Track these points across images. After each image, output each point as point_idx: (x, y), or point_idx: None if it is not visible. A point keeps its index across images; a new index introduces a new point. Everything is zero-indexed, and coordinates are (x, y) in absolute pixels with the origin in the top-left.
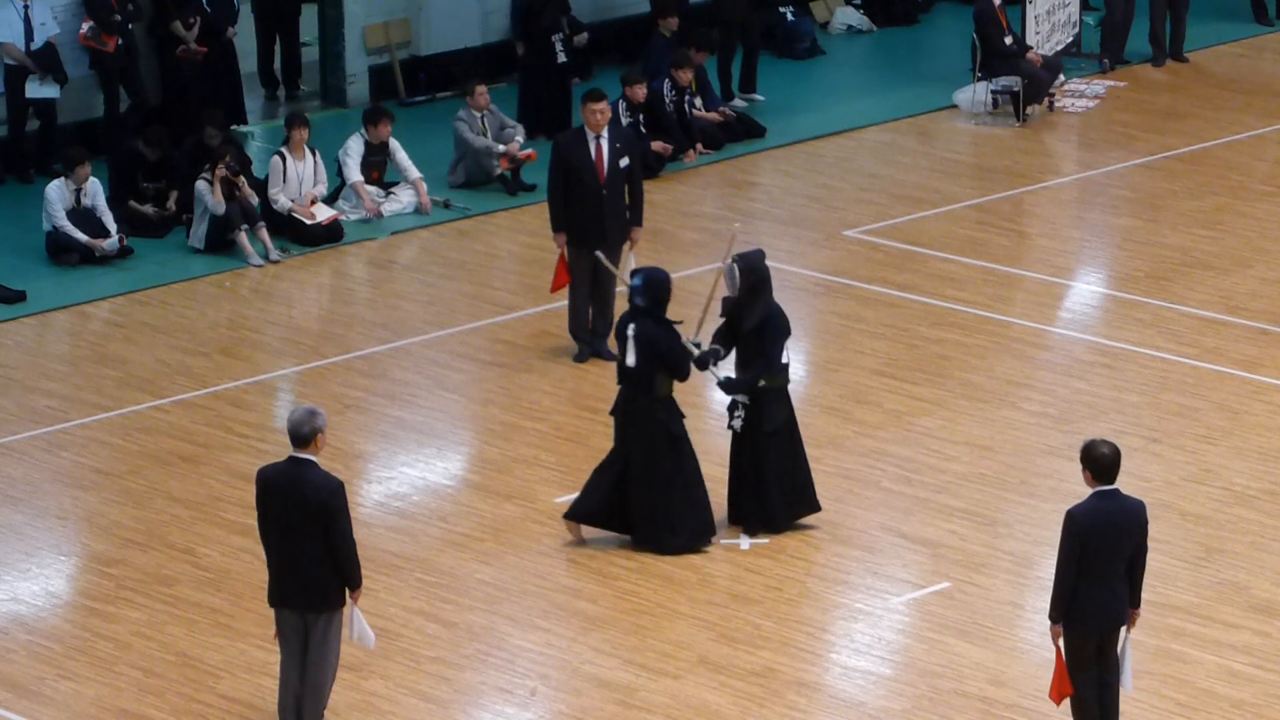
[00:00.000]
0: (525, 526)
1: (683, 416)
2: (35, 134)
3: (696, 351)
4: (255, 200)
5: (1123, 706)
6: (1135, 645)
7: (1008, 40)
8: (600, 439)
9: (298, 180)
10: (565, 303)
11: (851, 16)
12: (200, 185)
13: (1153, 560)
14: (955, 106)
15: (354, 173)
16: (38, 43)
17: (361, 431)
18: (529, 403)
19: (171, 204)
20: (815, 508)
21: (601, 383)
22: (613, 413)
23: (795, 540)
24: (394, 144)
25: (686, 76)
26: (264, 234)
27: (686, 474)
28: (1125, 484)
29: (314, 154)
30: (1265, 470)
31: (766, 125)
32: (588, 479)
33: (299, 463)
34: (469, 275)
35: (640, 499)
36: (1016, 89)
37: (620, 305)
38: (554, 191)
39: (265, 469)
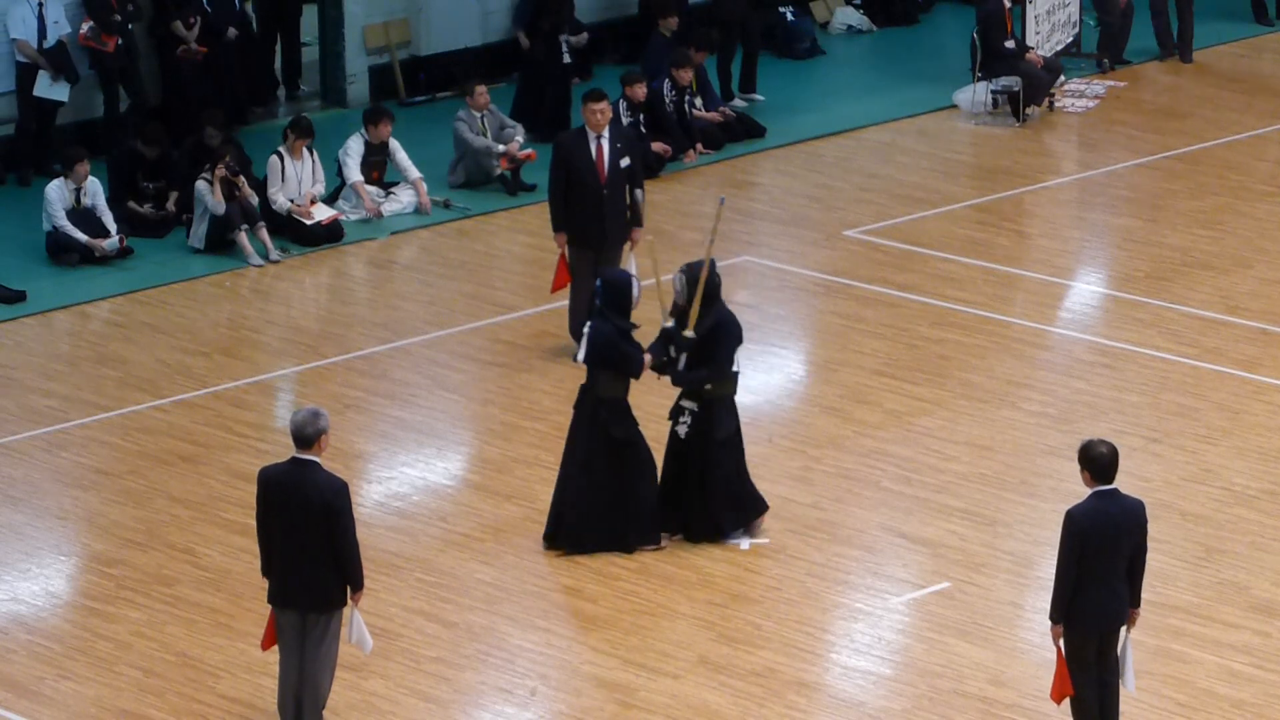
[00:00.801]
0: (525, 526)
1: (632, 423)
2: (34, 134)
3: (671, 341)
4: (255, 200)
5: (1123, 706)
6: (1135, 645)
7: (1008, 43)
8: None
9: (296, 180)
10: (565, 303)
11: (851, 16)
12: (200, 185)
13: (1153, 560)
14: (955, 106)
15: (354, 173)
16: (50, 41)
17: (361, 431)
18: (529, 403)
19: (171, 204)
20: (763, 509)
21: None
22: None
23: (795, 540)
24: (394, 144)
25: (686, 76)
26: (264, 234)
27: (622, 480)
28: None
29: (312, 154)
30: (1265, 470)
31: (766, 125)
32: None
33: (302, 464)
34: (469, 275)
35: (574, 495)
36: (1016, 89)
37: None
38: (555, 191)
39: (267, 469)
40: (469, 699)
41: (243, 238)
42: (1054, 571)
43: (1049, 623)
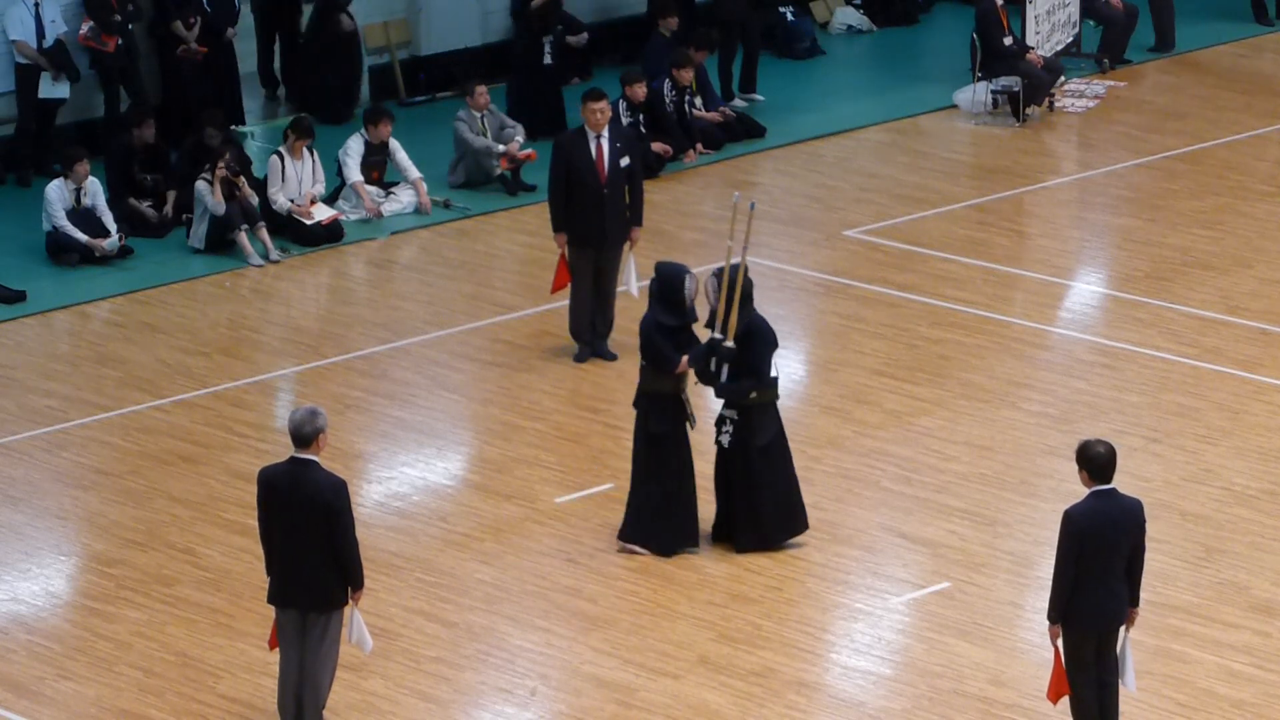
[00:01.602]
0: (525, 526)
1: (677, 418)
2: (35, 134)
3: (720, 350)
4: (255, 200)
5: (1123, 706)
6: (1135, 645)
7: (1007, 41)
8: (600, 439)
9: (296, 180)
10: (565, 303)
11: (851, 16)
12: (200, 185)
13: (1153, 560)
14: (955, 106)
15: (354, 173)
16: (49, 41)
17: (361, 431)
18: (529, 403)
19: (169, 209)
20: (804, 526)
21: (601, 383)
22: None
23: (795, 540)
24: (394, 144)
25: (687, 76)
26: (264, 234)
27: (661, 477)
28: (1125, 484)
29: (313, 154)
30: (1265, 470)
31: (766, 125)
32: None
33: (301, 463)
34: (469, 275)
35: (631, 491)
36: (1016, 89)
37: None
38: (555, 191)
39: (267, 469)
40: (469, 699)
41: (243, 238)
42: (1053, 571)
43: (1047, 623)
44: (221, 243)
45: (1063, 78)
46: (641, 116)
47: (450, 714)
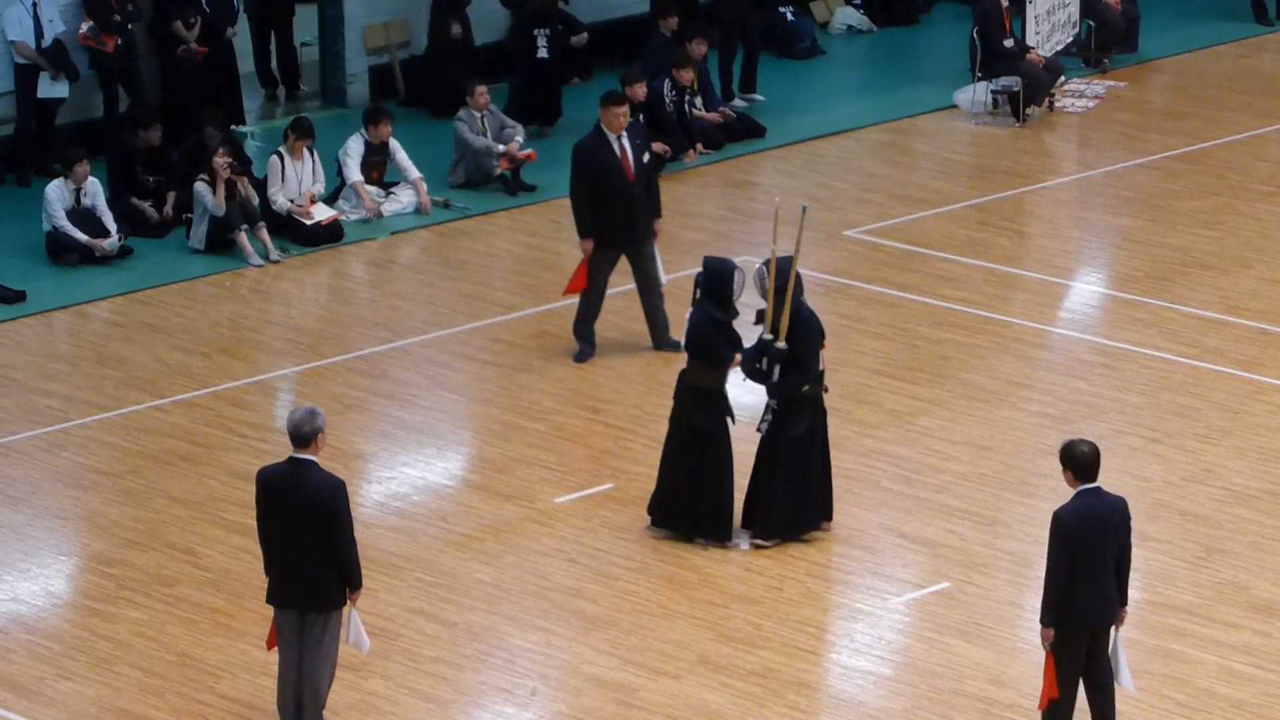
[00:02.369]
0: (525, 526)
1: (721, 413)
2: (34, 134)
3: (770, 352)
4: (256, 201)
5: (1122, 707)
6: (1135, 645)
7: (1008, 41)
8: (600, 439)
9: (296, 180)
10: (565, 303)
11: (851, 16)
12: (199, 186)
13: (1153, 560)
14: (955, 106)
15: (354, 173)
16: (47, 40)
17: (361, 431)
18: (529, 403)
19: (169, 209)
20: (816, 524)
21: (601, 383)
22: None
23: (795, 540)
24: (394, 144)
25: (687, 76)
26: (264, 234)
27: (704, 470)
28: (1126, 484)
29: (312, 154)
30: (1265, 470)
31: (766, 125)
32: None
33: (300, 463)
34: (469, 275)
35: (661, 481)
36: (1016, 89)
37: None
38: (581, 198)
39: (265, 469)
40: (469, 699)
41: (243, 238)
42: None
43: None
44: (221, 243)
45: (1063, 78)
46: (641, 116)
47: (450, 714)
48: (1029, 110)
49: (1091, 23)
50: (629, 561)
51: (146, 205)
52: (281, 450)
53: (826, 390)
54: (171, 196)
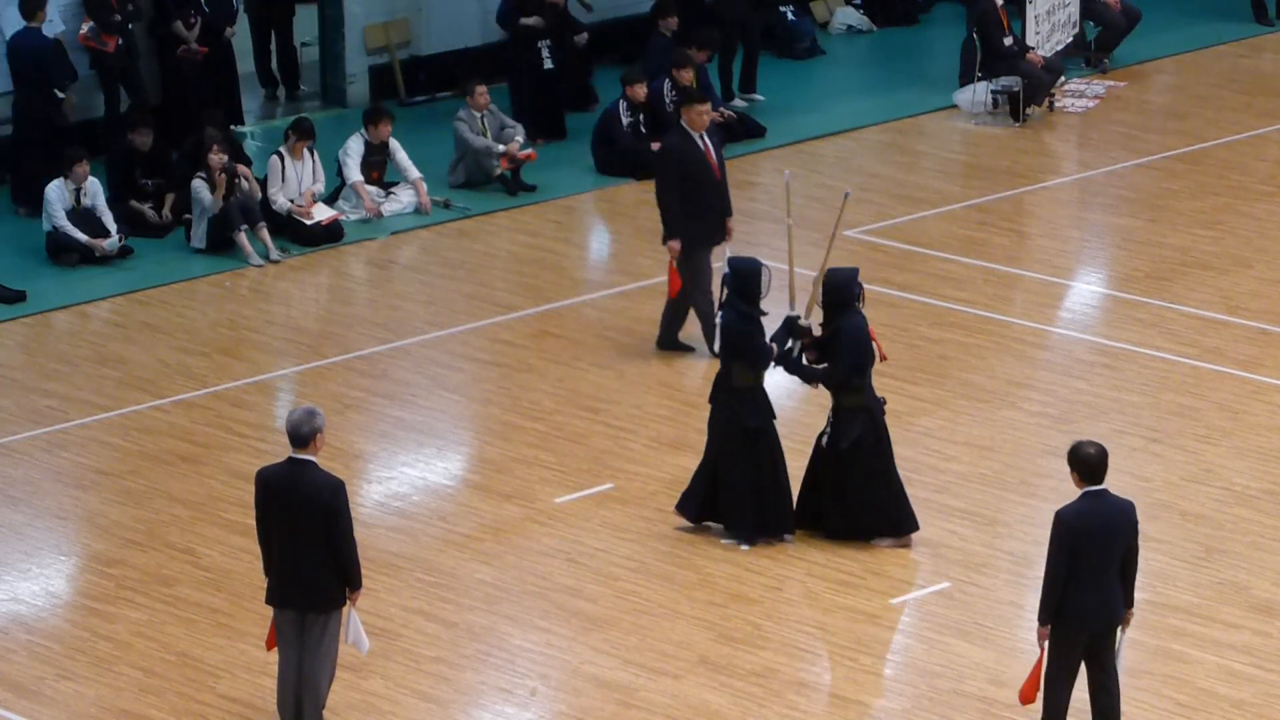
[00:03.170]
0: (525, 526)
1: (767, 411)
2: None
3: (794, 342)
4: (259, 195)
5: (1124, 706)
6: (1135, 645)
7: (1007, 41)
8: (600, 439)
9: (296, 180)
10: (566, 303)
11: (851, 16)
12: (197, 183)
13: (1152, 560)
14: (955, 106)
15: (354, 173)
16: None
17: (361, 431)
18: (529, 403)
19: (168, 212)
20: (879, 532)
21: (601, 383)
22: (709, 400)
23: (795, 540)
24: (394, 144)
25: (687, 76)
26: (264, 234)
27: (759, 468)
28: (1125, 484)
29: (312, 154)
30: (1265, 470)
31: (766, 125)
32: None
33: (299, 463)
34: (469, 275)
35: (721, 488)
36: (1016, 89)
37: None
38: (670, 198)
39: (265, 470)
40: (469, 699)
41: (243, 238)
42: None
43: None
44: (222, 243)
45: (1063, 78)
46: (641, 116)
47: (450, 714)
48: (1029, 110)
49: (1091, 23)
50: (629, 561)
51: (145, 208)
52: (281, 450)
53: (884, 409)
54: (170, 198)
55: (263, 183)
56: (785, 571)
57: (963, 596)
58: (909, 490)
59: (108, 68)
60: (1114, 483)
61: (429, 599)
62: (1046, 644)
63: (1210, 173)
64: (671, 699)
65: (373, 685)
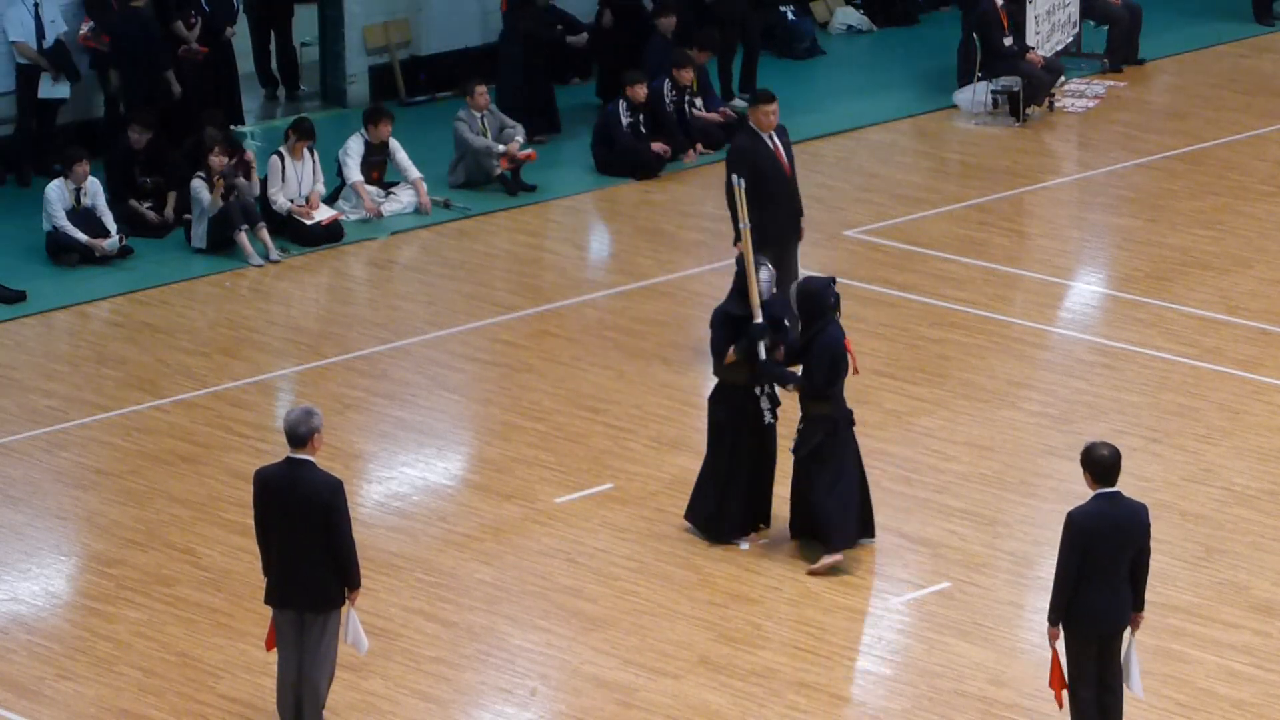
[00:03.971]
0: (525, 526)
1: (739, 407)
2: (34, 134)
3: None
4: (257, 191)
5: (1124, 706)
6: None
7: (1007, 41)
8: (600, 439)
9: (297, 180)
10: (567, 303)
11: (851, 16)
12: (196, 183)
13: (1153, 560)
14: (955, 106)
15: (354, 173)
16: (49, 41)
17: (361, 431)
18: (529, 403)
19: (169, 212)
20: (840, 543)
21: (601, 383)
22: None
23: (795, 540)
24: (394, 144)
25: (687, 76)
26: (264, 234)
27: (719, 465)
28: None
29: (313, 154)
30: (1265, 470)
31: None
32: None
33: (297, 463)
34: (469, 275)
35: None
36: (1016, 89)
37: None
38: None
39: (263, 470)
40: (469, 699)
41: (243, 238)
42: (1054, 573)
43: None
44: (222, 243)
45: (1063, 78)
46: (641, 116)
47: (450, 714)
48: (1029, 110)
49: (1092, 23)
50: (629, 561)
51: (144, 207)
52: (281, 450)
53: (851, 422)
54: (172, 197)
55: (263, 183)
56: (785, 571)
57: (963, 596)
58: (910, 490)
59: (108, 68)
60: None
61: (429, 599)
62: (1060, 645)
63: (1210, 173)
64: (671, 699)
65: (373, 685)
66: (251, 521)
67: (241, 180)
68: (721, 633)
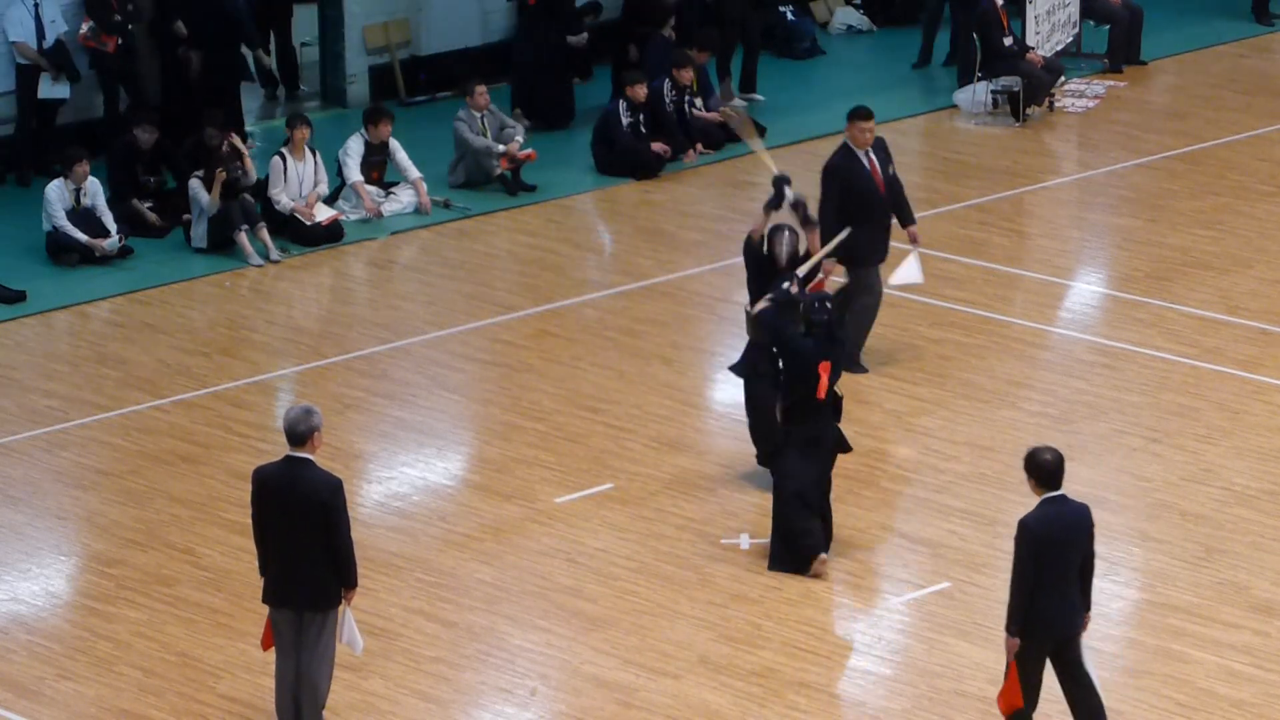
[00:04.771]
0: (525, 526)
1: (751, 365)
2: (34, 134)
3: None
4: (254, 177)
5: (1123, 706)
6: (1135, 645)
7: (1007, 41)
8: (600, 439)
9: (298, 180)
10: (565, 302)
11: (851, 16)
12: (194, 184)
13: (1153, 560)
14: (955, 106)
15: (354, 173)
16: (49, 41)
17: (361, 431)
18: (529, 403)
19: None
20: (779, 563)
21: (601, 383)
22: None
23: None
24: (394, 144)
25: (687, 76)
26: (264, 234)
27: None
28: (1125, 484)
29: (314, 154)
30: (1265, 470)
31: (766, 125)
32: None
33: (297, 461)
34: (469, 275)
35: None
36: (1016, 89)
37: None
38: (830, 215)
39: (262, 468)
40: (469, 699)
41: (243, 238)
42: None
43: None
44: (222, 243)
45: (1063, 78)
46: (641, 116)
47: (450, 714)
48: (1029, 110)
49: (1093, 23)
50: (629, 561)
51: (145, 207)
52: (282, 450)
53: (818, 444)
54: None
55: (264, 183)
56: (785, 571)
57: (963, 596)
58: (910, 490)
59: (108, 68)
60: (1115, 483)
61: (429, 599)
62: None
63: (1210, 173)
64: (671, 699)
65: (373, 685)
66: (250, 521)
67: (239, 169)
68: (721, 633)
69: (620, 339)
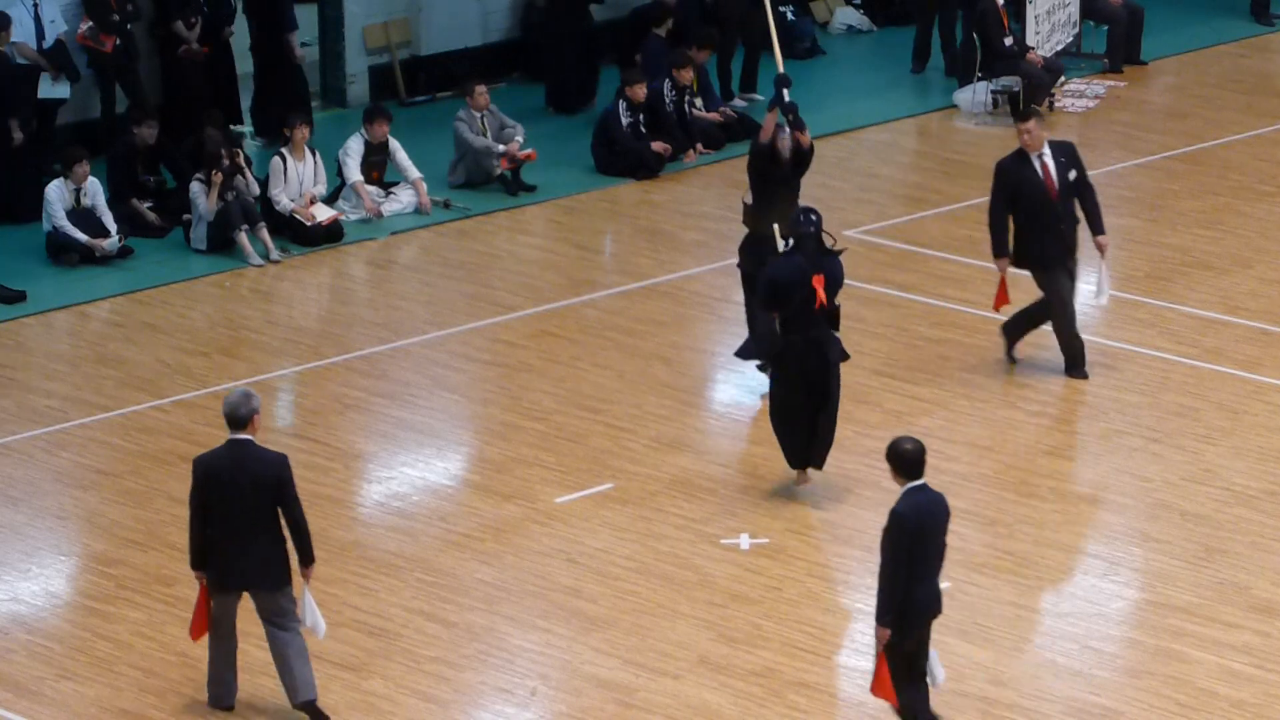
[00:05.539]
0: (525, 526)
1: (756, 260)
2: (34, 134)
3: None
4: (256, 191)
5: (1123, 706)
6: (1135, 645)
7: (1007, 41)
8: (600, 439)
9: (298, 180)
10: (566, 303)
11: (851, 16)
12: (195, 186)
13: (1153, 560)
14: (955, 106)
15: (354, 173)
16: (48, 41)
17: (361, 431)
18: (529, 403)
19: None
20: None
21: (601, 383)
22: None
23: (795, 540)
24: (394, 144)
25: (687, 76)
26: (264, 234)
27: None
28: (1125, 484)
29: (314, 154)
30: (1265, 470)
31: None
32: None
33: (239, 444)
34: (469, 275)
35: None
36: (1016, 89)
37: (625, 305)
38: (997, 218)
39: (203, 456)
40: (469, 699)
41: (243, 238)
42: (882, 573)
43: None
44: (222, 243)
45: (1063, 78)
46: (641, 116)
47: (450, 714)
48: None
49: (1093, 23)
50: (629, 561)
51: (145, 207)
52: (281, 450)
53: (787, 353)
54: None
55: (264, 183)
56: (785, 571)
57: (963, 596)
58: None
59: (106, 67)
60: (1114, 483)
61: (429, 599)
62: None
63: (1210, 173)
64: (671, 699)
65: (373, 685)
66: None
67: (240, 179)
68: (721, 633)
69: (620, 339)
